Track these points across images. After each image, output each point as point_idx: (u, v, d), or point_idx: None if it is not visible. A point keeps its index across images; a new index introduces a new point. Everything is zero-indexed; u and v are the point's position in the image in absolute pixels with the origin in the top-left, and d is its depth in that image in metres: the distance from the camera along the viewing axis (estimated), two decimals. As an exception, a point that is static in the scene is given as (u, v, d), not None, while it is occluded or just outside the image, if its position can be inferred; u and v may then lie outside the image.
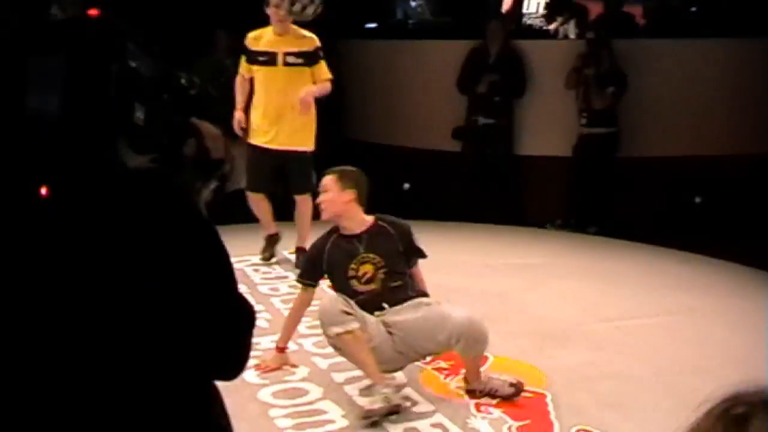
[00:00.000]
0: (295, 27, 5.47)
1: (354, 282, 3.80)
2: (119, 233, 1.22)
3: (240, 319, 1.38)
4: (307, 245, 5.33)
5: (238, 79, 5.58)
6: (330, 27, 8.87)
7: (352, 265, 3.80)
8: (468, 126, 7.47)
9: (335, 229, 3.92)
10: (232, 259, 4.46)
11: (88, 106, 1.16)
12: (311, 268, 3.95)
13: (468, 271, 5.64)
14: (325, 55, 8.65)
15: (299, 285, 4.05)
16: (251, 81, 5.56)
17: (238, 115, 5.51)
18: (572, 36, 8.50)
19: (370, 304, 3.75)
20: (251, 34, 5.53)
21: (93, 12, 1.24)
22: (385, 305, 3.76)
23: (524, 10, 8.22)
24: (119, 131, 1.20)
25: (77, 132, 1.15)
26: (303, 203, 5.60)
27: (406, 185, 8.10)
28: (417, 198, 7.95)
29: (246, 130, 5.51)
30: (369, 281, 3.79)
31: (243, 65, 5.57)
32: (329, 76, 5.60)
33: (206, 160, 1.43)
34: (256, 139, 5.52)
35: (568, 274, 5.64)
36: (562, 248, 6.45)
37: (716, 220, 7.01)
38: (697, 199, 7.27)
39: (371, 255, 3.81)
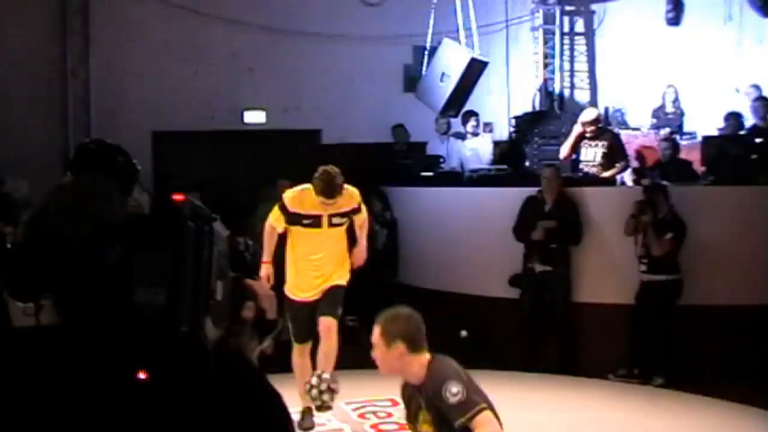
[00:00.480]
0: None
1: None
2: (209, 417, 1.25)
3: None
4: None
5: (269, 230, 5.43)
6: (387, 175, 9.12)
7: (420, 417, 3.50)
8: (525, 273, 7.40)
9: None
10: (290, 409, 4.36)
11: (188, 295, 1.20)
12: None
13: (528, 425, 5.42)
14: (382, 202, 8.88)
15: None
16: (279, 231, 5.47)
17: (268, 269, 5.32)
18: (629, 183, 8.50)
19: None
20: (291, 195, 5.42)
21: (179, 197, 1.29)
22: None
23: (581, 158, 8.27)
24: (207, 312, 1.24)
25: (179, 320, 1.19)
26: (328, 331, 5.37)
27: (464, 332, 7.97)
28: (474, 346, 7.80)
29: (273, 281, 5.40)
30: None
31: (277, 218, 5.42)
32: (366, 215, 5.64)
33: (263, 321, 1.48)
34: (298, 295, 5.45)
35: (632, 429, 5.37)
36: (625, 401, 6.18)
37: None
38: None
39: (429, 415, 3.46)
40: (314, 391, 5.10)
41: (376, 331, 3.58)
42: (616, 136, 8.60)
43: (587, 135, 8.19)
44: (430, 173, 8.95)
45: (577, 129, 8.22)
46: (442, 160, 9.42)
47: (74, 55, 9.36)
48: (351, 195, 5.46)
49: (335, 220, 5.41)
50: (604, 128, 8.62)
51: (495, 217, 7.74)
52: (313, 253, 5.41)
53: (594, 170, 8.08)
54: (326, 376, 5.16)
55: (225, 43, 9.93)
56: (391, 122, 9.92)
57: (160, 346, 1.18)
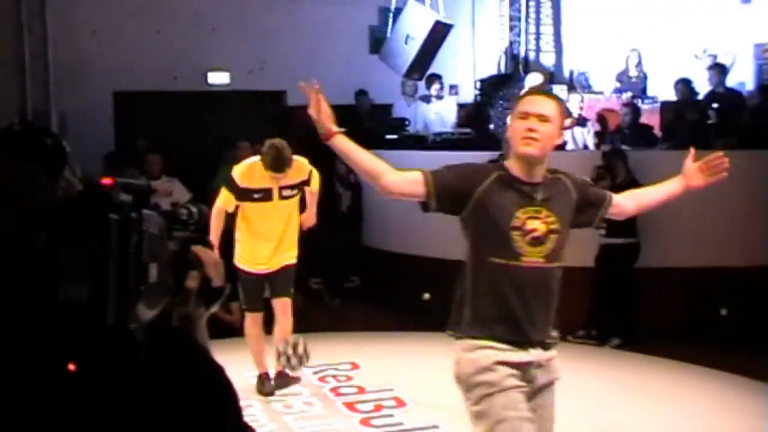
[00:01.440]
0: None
1: (516, 235, 2.96)
2: (143, 405, 1.26)
3: None
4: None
5: (217, 211, 5.30)
6: (352, 138, 9.12)
7: (518, 214, 2.96)
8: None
9: (500, 165, 3.07)
10: (247, 373, 4.43)
11: (114, 288, 1.19)
12: (448, 193, 3.04)
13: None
14: (344, 165, 8.87)
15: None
16: (230, 211, 5.43)
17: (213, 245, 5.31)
18: (591, 146, 8.59)
19: (530, 288, 2.98)
20: (241, 171, 5.37)
21: (108, 181, 1.27)
22: (539, 313, 3.00)
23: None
24: (139, 297, 1.23)
25: (103, 313, 1.19)
26: (284, 310, 5.44)
27: (427, 295, 8.06)
28: (437, 308, 7.89)
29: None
30: (536, 242, 2.99)
31: (227, 199, 5.35)
32: (318, 187, 5.64)
33: (209, 289, 1.45)
34: (252, 267, 5.45)
35: (586, 390, 5.50)
36: (582, 362, 6.31)
37: (742, 333, 6.87)
38: (723, 312, 7.14)
39: (546, 212, 3.00)
40: (283, 359, 5.16)
41: (555, 106, 3.06)
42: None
43: None
44: (395, 136, 8.95)
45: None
46: (407, 123, 9.42)
47: (30, 10, 9.16)
48: (300, 167, 5.43)
49: (285, 192, 5.40)
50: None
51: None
52: (264, 225, 5.40)
53: None
54: (297, 342, 5.21)
55: (188, 2, 9.79)
56: (357, 84, 9.88)
57: (87, 337, 1.19)
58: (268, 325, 5.59)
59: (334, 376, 5.74)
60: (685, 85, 8.62)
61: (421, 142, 8.63)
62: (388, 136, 8.94)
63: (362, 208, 9.11)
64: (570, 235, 3.27)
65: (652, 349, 6.44)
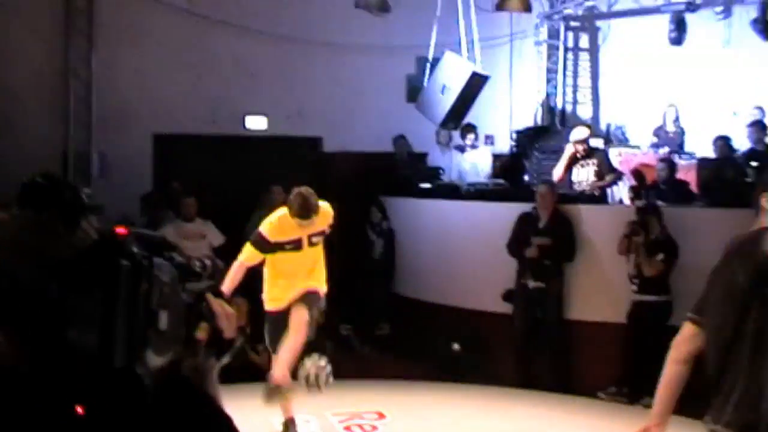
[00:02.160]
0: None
1: None
2: None
3: None
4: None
5: (239, 266, 5.33)
6: (387, 186, 9.16)
7: None
8: (518, 289, 7.43)
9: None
10: (272, 419, 4.38)
11: (122, 333, 1.21)
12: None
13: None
14: (381, 212, 8.89)
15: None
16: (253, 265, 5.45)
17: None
18: (626, 201, 8.53)
19: None
20: (271, 226, 5.38)
21: (122, 231, 1.29)
22: None
23: (574, 178, 8.28)
24: (147, 343, 1.24)
25: (111, 356, 1.20)
26: (299, 322, 5.34)
27: (456, 345, 8.00)
28: (467, 359, 7.83)
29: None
30: None
31: (252, 254, 5.37)
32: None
33: (219, 340, 1.45)
34: (275, 306, 5.47)
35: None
36: (612, 420, 6.20)
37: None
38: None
39: None
40: (311, 377, 5.21)
41: None
42: (605, 154, 8.65)
43: (579, 155, 8.23)
44: (429, 185, 8.98)
45: (569, 149, 8.26)
46: (441, 171, 9.45)
47: (77, 54, 9.41)
48: (325, 213, 5.47)
49: (314, 240, 5.46)
50: (595, 147, 8.65)
51: (491, 231, 7.76)
52: (294, 270, 5.45)
53: (589, 188, 8.11)
54: (321, 361, 5.24)
55: (229, 48, 9.98)
56: (393, 132, 9.95)
57: (95, 381, 1.19)
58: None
59: (359, 426, 5.69)
60: (724, 142, 8.56)
61: (455, 191, 8.65)
62: (422, 185, 8.97)
63: (395, 256, 9.12)
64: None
65: (684, 410, 6.29)
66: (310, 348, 5.44)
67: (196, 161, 10.03)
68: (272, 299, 5.48)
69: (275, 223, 5.42)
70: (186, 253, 1.54)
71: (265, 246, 5.37)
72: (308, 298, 5.42)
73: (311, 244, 5.44)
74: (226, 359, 1.49)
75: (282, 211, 5.42)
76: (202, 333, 1.40)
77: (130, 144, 9.54)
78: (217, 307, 1.46)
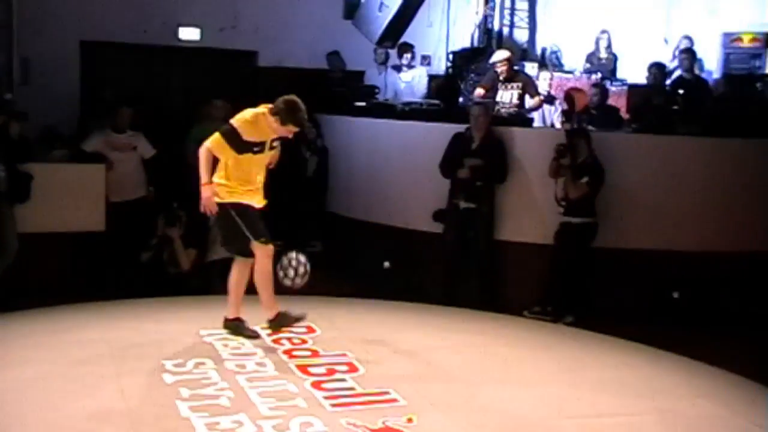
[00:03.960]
0: None
1: None
2: None
3: None
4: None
5: (208, 156, 5.33)
6: (320, 103, 9.07)
7: None
8: (449, 209, 7.52)
9: None
10: (202, 332, 4.46)
11: None
12: None
13: (437, 356, 5.60)
14: (315, 129, 8.84)
15: None
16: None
17: (212, 188, 5.36)
18: (558, 125, 8.66)
19: None
20: (245, 124, 5.32)
21: None
22: None
23: (498, 99, 8.36)
24: None
25: None
26: (265, 253, 5.50)
27: (387, 264, 8.12)
28: (397, 277, 7.96)
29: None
30: None
31: (222, 148, 5.32)
32: None
33: None
34: (245, 200, 5.47)
35: (538, 366, 5.60)
36: (536, 337, 6.41)
37: (693, 317, 7.03)
38: (675, 295, 7.29)
39: None
40: (290, 271, 5.46)
41: None
42: (529, 77, 8.75)
43: (501, 77, 8.30)
44: (364, 103, 8.93)
45: (490, 73, 8.39)
46: (377, 90, 9.40)
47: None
48: None
49: (274, 143, 5.47)
50: (518, 70, 8.73)
51: (424, 151, 7.80)
52: (255, 175, 5.46)
53: (511, 112, 8.21)
54: (300, 256, 5.49)
55: (161, -45, 9.63)
56: (329, 49, 9.82)
57: None
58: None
59: (288, 339, 5.77)
60: (658, 69, 8.70)
61: (389, 110, 8.63)
62: (358, 104, 8.92)
63: (328, 174, 9.11)
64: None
65: (604, 328, 6.56)
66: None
67: (126, 71, 9.76)
68: (234, 191, 5.42)
69: (251, 120, 5.33)
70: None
71: (236, 141, 5.29)
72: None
73: (271, 147, 5.44)
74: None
75: (257, 111, 5.34)
76: None
77: (56, 50, 9.21)
78: None
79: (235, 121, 5.36)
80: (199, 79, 9.98)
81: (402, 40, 9.42)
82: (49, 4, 9.20)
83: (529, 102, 8.41)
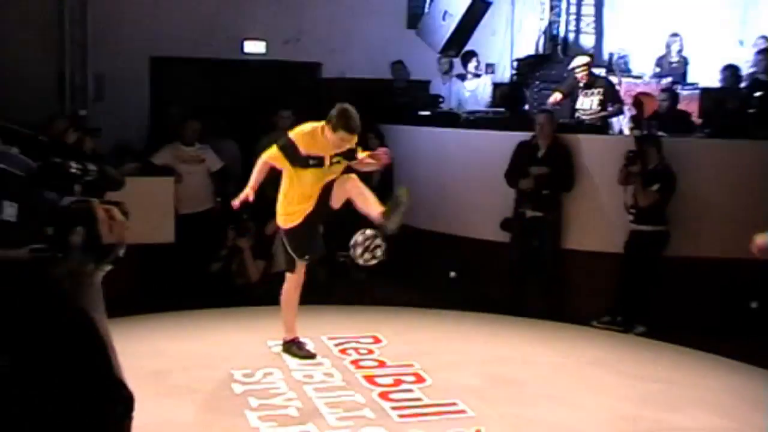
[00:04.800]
0: None
1: None
2: None
3: (115, 404, 1.37)
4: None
5: (263, 166, 5.39)
6: (384, 114, 9.07)
7: None
8: (516, 218, 7.43)
9: None
10: (270, 342, 4.45)
11: None
12: None
13: (505, 367, 5.52)
14: (379, 139, 8.84)
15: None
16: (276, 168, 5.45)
17: (249, 194, 5.38)
18: (627, 131, 8.49)
19: None
20: (303, 137, 5.31)
21: None
22: None
23: (578, 106, 8.24)
24: None
25: None
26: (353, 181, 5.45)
27: (453, 273, 8.06)
28: (463, 287, 7.89)
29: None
30: None
31: (278, 158, 5.34)
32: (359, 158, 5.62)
33: (97, 245, 1.42)
34: (293, 222, 5.47)
35: (610, 378, 5.47)
36: (605, 348, 6.28)
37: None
38: (754, 305, 7.04)
39: None
40: (360, 249, 5.31)
41: None
42: (610, 83, 8.59)
43: (580, 83, 8.19)
44: (428, 113, 8.89)
45: (570, 80, 8.27)
46: (441, 99, 9.35)
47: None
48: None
49: (335, 159, 5.40)
50: (598, 75, 8.59)
51: (490, 160, 7.72)
52: (311, 191, 5.41)
53: (592, 118, 8.08)
54: (369, 231, 5.32)
55: (227, -30, 9.78)
56: (393, 59, 9.83)
57: None
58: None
59: (355, 349, 5.77)
60: (732, 72, 8.45)
61: (454, 119, 8.57)
62: (421, 113, 8.89)
63: (393, 184, 9.08)
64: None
65: (676, 339, 6.38)
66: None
67: (193, 85, 9.93)
68: (289, 214, 5.45)
69: (308, 133, 5.32)
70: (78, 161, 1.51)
71: (293, 153, 5.29)
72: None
73: (331, 163, 5.38)
74: (106, 266, 1.46)
75: (315, 125, 5.34)
76: (76, 237, 1.38)
77: (127, 66, 9.42)
78: (101, 212, 1.43)
79: (293, 133, 5.38)
80: (264, 91, 10.09)
81: (466, 48, 9.36)
82: (122, 22, 9.43)
83: (609, 109, 8.27)
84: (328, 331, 5.86)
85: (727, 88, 8.31)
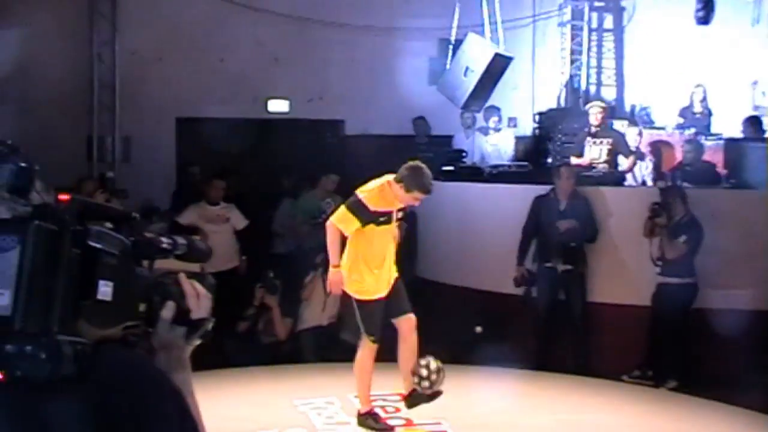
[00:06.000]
0: None
1: None
2: (75, 413, 1.24)
3: None
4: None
5: (336, 234, 5.20)
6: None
7: None
8: (541, 271, 7.38)
9: None
10: (296, 401, 4.41)
11: (40, 297, 1.20)
12: None
13: (533, 421, 5.43)
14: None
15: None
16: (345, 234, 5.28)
17: (338, 273, 5.21)
18: (649, 182, 8.46)
19: None
20: (371, 195, 5.17)
21: (63, 197, 1.29)
22: None
23: (586, 155, 8.23)
24: (79, 312, 1.23)
25: (29, 321, 1.19)
26: (413, 327, 5.32)
27: (479, 328, 7.98)
28: (489, 342, 7.81)
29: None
30: None
31: (348, 221, 5.16)
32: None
33: (186, 320, 1.42)
34: (376, 294, 5.30)
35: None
36: (636, 404, 6.16)
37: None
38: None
39: None
40: (426, 382, 5.22)
41: None
42: (621, 135, 8.59)
43: (592, 131, 8.20)
44: (451, 167, 8.93)
45: (581, 135, 8.31)
46: (464, 154, 9.40)
47: (101, 39, 9.47)
48: None
49: (399, 214, 5.36)
50: (610, 127, 8.60)
51: (513, 213, 7.71)
52: (384, 248, 5.30)
53: (602, 170, 8.07)
54: (432, 362, 5.25)
55: (250, 32, 9.99)
56: (415, 115, 9.92)
57: (15, 347, 1.16)
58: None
59: (382, 407, 5.70)
60: (753, 124, 8.44)
61: (477, 173, 8.60)
62: (445, 167, 8.93)
63: (417, 240, 9.09)
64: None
65: (711, 394, 6.25)
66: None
67: (218, 145, 10.07)
68: (372, 286, 5.28)
69: (376, 191, 5.20)
70: (155, 233, 1.54)
71: (364, 213, 5.15)
72: (404, 294, 5.40)
73: (398, 218, 5.34)
74: (196, 340, 1.48)
75: (381, 182, 5.24)
76: (167, 311, 1.39)
77: (153, 128, 9.61)
78: (188, 286, 1.45)
79: (360, 192, 5.25)
80: (288, 149, 10.20)
81: (488, 103, 9.44)
82: (148, 84, 9.64)
83: (622, 163, 8.25)
84: (355, 389, 5.80)
85: (750, 139, 8.28)
